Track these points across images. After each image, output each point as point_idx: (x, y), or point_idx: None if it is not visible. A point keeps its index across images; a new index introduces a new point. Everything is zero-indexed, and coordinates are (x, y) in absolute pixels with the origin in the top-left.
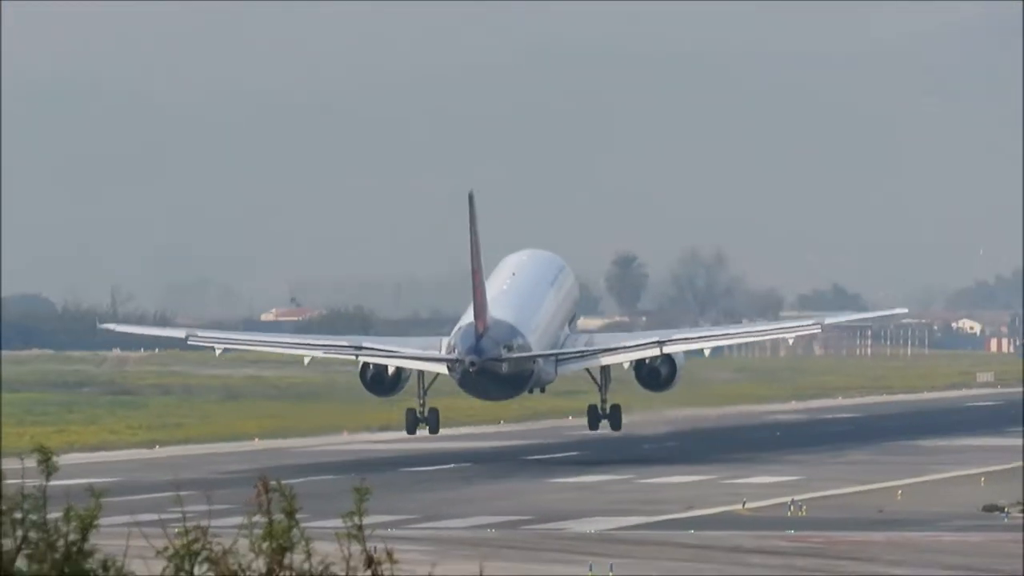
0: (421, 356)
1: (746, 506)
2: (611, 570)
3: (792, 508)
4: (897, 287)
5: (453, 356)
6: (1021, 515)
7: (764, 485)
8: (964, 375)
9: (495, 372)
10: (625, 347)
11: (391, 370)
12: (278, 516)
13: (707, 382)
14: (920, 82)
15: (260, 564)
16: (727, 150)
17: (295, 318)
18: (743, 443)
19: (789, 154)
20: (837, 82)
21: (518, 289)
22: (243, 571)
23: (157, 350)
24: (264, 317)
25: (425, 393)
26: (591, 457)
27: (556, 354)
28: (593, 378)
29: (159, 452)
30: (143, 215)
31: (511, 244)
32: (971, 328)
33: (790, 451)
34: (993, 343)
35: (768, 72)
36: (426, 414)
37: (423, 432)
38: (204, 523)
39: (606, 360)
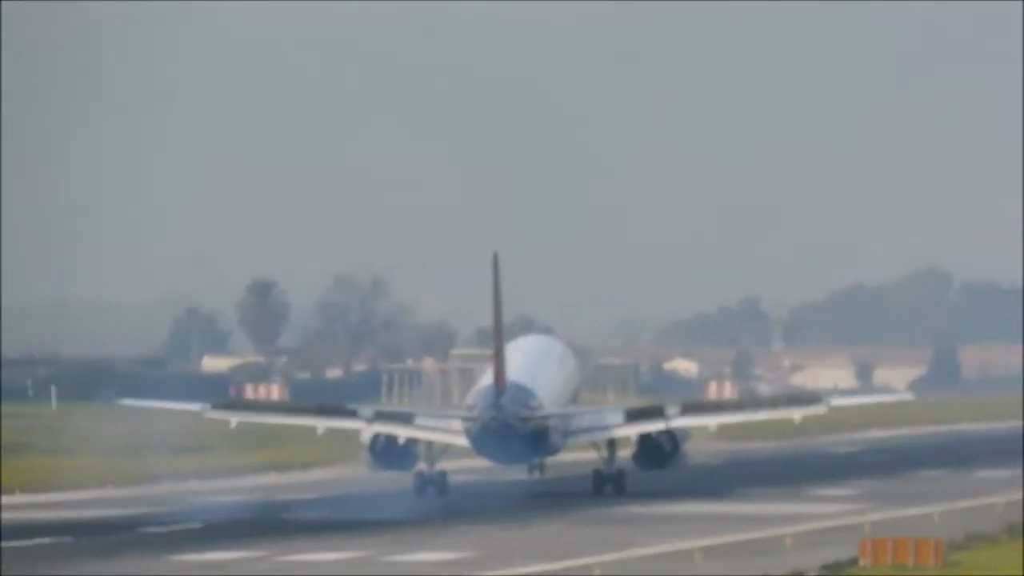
0: (438, 415)
1: None
2: None
3: None
4: (598, 318)
5: (474, 415)
6: None
7: (431, 564)
8: None
9: (514, 429)
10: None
11: (401, 441)
12: None
13: None
14: (623, 81)
15: None
16: (387, 155)
17: None
18: (404, 511)
19: (464, 161)
20: (529, 76)
21: (530, 364)
22: None
23: None
24: None
25: (434, 459)
26: (220, 529)
27: (571, 412)
28: (597, 449)
29: None
30: None
31: (125, 270)
32: (686, 369)
33: (461, 522)
34: (713, 387)
35: (436, 67)
36: (434, 475)
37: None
38: None
39: (615, 433)
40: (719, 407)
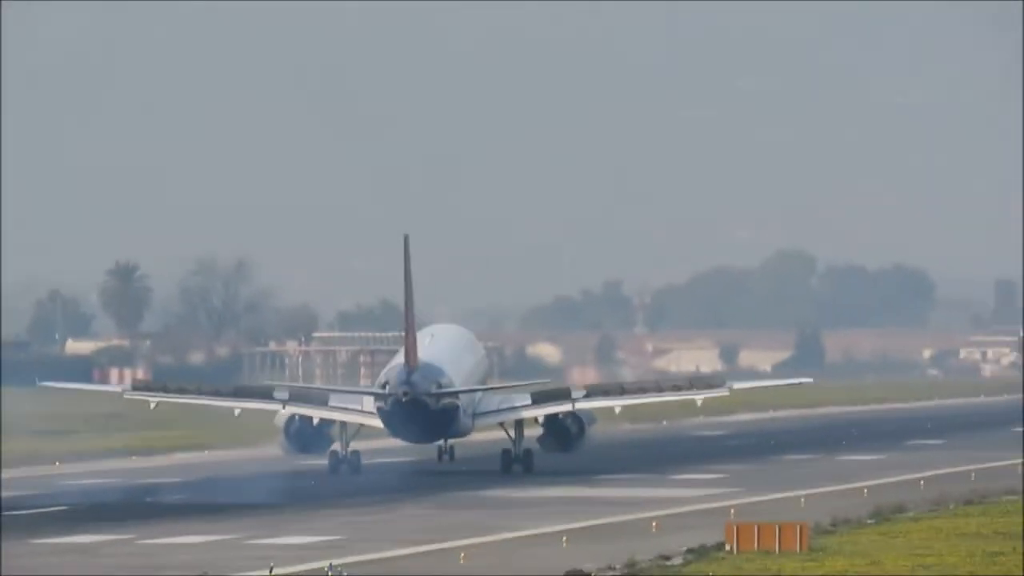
0: (350, 390)
1: (274, 572)
2: None
3: (330, 575)
4: (461, 303)
5: (386, 391)
6: None
7: (296, 547)
8: None
9: (426, 405)
10: (538, 404)
11: (315, 422)
12: None
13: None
14: (480, 68)
15: None
16: (248, 137)
17: None
18: (271, 495)
19: (325, 145)
20: (390, 62)
21: (440, 347)
22: None
23: None
24: None
25: (349, 439)
26: (83, 513)
27: (479, 390)
28: (505, 430)
29: None
30: None
31: None
32: (550, 354)
33: (326, 505)
34: (576, 372)
35: (303, 49)
36: (348, 455)
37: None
38: None
39: (523, 415)
40: (623, 390)
